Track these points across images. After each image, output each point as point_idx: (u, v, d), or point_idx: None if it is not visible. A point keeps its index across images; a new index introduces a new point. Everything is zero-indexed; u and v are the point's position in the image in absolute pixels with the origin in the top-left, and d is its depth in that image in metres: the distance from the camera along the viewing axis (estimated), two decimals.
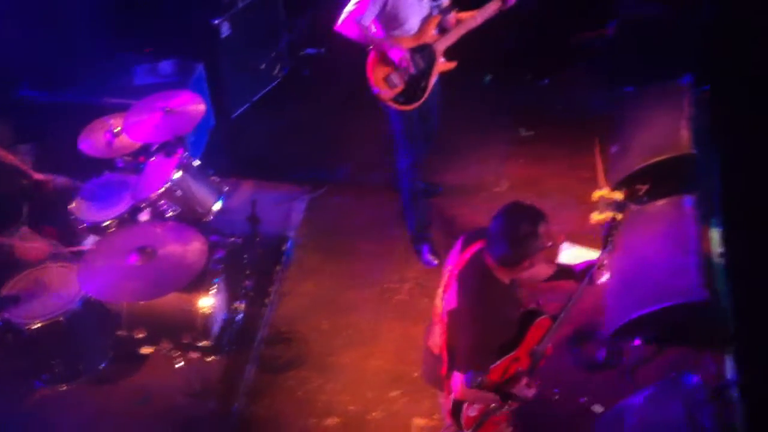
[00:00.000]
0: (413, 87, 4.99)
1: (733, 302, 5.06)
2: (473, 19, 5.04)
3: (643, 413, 4.37)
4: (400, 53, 4.84)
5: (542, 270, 3.83)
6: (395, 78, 4.92)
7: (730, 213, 5.57)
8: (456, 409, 3.71)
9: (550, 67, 7.14)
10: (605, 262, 3.77)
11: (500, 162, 6.54)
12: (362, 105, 6.83)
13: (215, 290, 4.83)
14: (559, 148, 6.58)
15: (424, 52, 4.98)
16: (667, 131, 5.80)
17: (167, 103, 5.26)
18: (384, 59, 4.90)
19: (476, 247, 3.55)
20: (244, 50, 6.93)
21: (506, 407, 3.79)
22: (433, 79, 5.08)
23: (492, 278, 3.47)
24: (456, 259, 3.64)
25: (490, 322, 3.44)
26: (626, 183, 5.75)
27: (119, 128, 5.33)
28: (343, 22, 4.81)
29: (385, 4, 4.80)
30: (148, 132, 5.17)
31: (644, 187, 5.65)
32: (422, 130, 5.34)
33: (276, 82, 7.39)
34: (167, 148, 5.17)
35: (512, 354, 3.61)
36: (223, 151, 6.71)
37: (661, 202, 5.48)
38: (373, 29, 4.92)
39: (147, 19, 6.68)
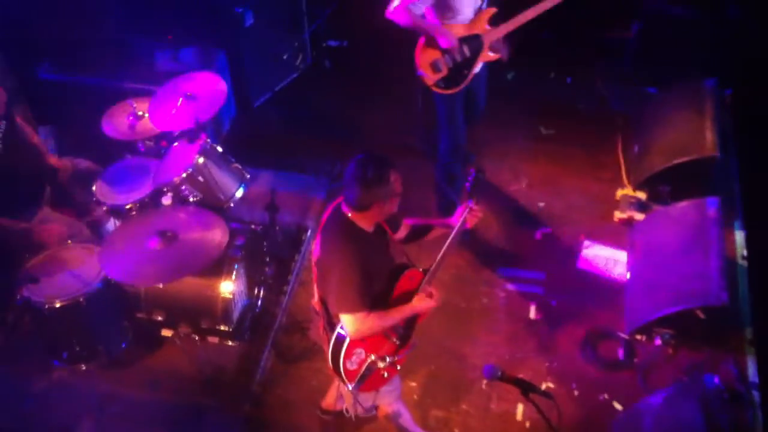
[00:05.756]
0: (455, 73, 5.07)
1: (755, 306, 5.04)
2: (528, 12, 5.04)
3: (661, 413, 4.35)
4: (449, 41, 4.93)
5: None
6: (440, 64, 5.02)
7: (752, 216, 5.54)
8: (335, 362, 3.74)
9: (574, 64, 7.11)
10: (471, 207, 3.86)
11: (519, 159, 6.52)
12: (383, 99, 6.89)
13: (236, 276, 4.83)
14: (579, 147, 6.55)
15: (472, 42, 5.04)
16: (691, 133, 5.78)
17: (189, 87, 5.24)
18: (433, 45, 4.99)
19: (339, 200, 3.73)
20: (266, 40, 6.92)
21: (389, 360, 3.83)
22: (476, 68, 5.15)
23: (352, 226, 3.65)
24: (324, 215, 3.83)
25: (352, 262, 3.57)
26: (649, 183, 5.75)
27: (143, 112, 5.33)
28: (395, 9, 4.84)
29: None
30: (171, 119, 5.16)
31: (667, 188, 5.64)
32: (464, 115, 5.41)
33: (298, 73, 7.37)
34: (190, 134, 5.16)
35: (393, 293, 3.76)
36: (244, 140, 6.69)
37: (683, 204, 5.46)
38: (425, 16, 4.99)
39: (170, 3, 6.64)
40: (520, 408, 4.78)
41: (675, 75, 6.42)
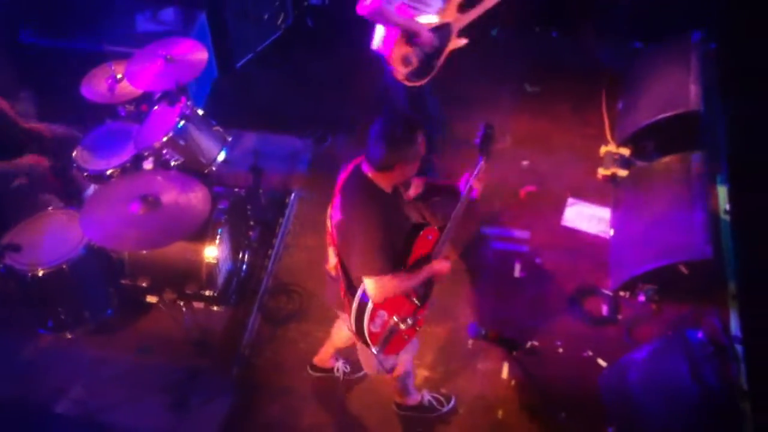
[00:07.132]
0: (425, 64, 4.94)
1: (738, 259, 5.06)
2: None
3: (647, 368, 4.40)
4: (427, 35, 4.81)
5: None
6: (411, 57, 4.87)
7: (736, 170, 5.54)
8: (358, 327, 3.70)
9: (559, 20, 7.03)
10: (483, 168, 3.79)
11: (504, 116, 6.45)
12: (366, 57, 6.81)
13: (220, 240, 4.80)
14: (565, 103, 6.52)
15: (442, 31, 4.93)
16: (675, 88, 5.74)
17: (169, 51, 5.17)
18: (407, 40, 4.83)
19: (357, 160, 3.64)
20: None
21: (410, 321, 3.79)
22: (444, 57, 5.02)
23: (373, 186, 3.56)
24: (341, 175, 3.74)
25: (376, 224, 3.50)
26: (633, 139, 5.73)
27: (121, 74, 5.26)
28: (371, 4, 4.64)
29: None
30: (150, 80, 5.10)
31: (651, 144, 5.62)
32: (434, 106, 5.28)
33: (280, 33, 7.28)
34: (170, 97, 5.10)
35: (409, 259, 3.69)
36: (226, 102, 6.64)
37: (667, 159, 5.46)
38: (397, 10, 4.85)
39: None
40: (505, 366, 4.81)
41: (661, 29, 6.37)
